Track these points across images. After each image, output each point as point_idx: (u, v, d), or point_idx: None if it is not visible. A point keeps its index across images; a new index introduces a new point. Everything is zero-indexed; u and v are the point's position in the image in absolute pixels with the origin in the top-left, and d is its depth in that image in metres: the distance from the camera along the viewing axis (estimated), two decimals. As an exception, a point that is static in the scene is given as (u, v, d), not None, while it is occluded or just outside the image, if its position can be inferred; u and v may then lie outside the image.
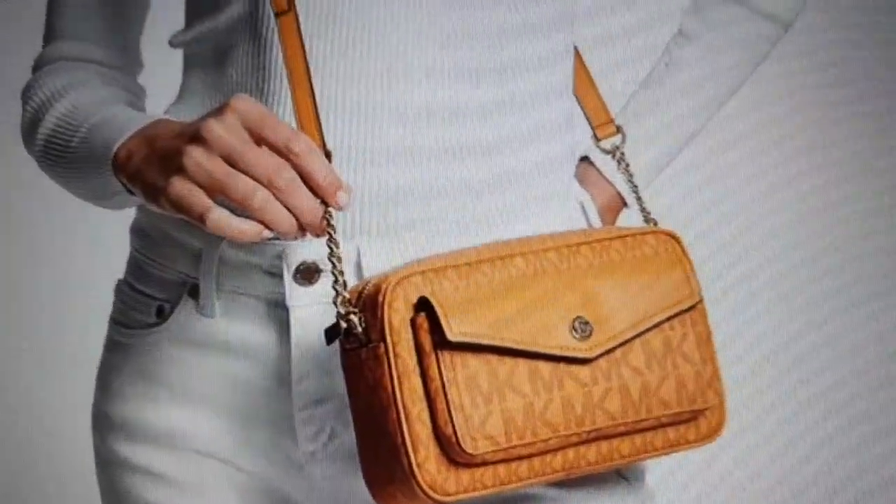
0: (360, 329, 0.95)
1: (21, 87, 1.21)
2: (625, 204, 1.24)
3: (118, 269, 1.23)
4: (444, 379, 0.94)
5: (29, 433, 2.65)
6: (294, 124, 1.01)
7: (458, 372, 0.94)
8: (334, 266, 0.97)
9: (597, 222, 1.20)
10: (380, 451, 0.96)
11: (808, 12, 1.33)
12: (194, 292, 1.12)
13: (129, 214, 1.22)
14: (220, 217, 0.95)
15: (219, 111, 0.97)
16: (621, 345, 1.00)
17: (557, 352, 0.97)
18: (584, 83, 1.22)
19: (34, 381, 2.66)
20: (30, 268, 2.69)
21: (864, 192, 2.75)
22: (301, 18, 1.04)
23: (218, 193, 0.95)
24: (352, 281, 1.02)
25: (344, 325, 0.96)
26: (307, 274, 1.06)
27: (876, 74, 2.72)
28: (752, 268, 2.67)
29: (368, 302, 0.96)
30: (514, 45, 1.10)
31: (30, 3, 1.56)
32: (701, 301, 1.04)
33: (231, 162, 0.95)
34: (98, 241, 2.19)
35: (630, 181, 1.19)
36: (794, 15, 1.28)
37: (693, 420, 1.03)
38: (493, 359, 0.96)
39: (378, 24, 1.06)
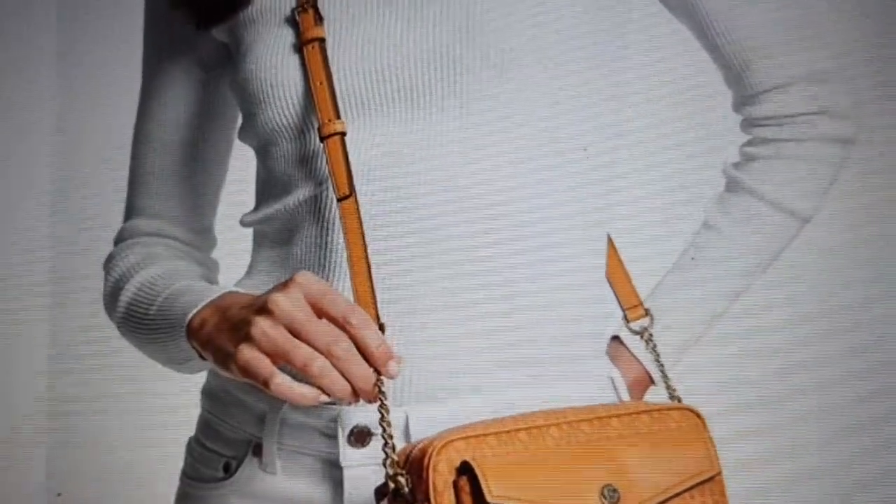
0: (406, 489, 1.00)
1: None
2: (652, 382, 1.28)
3: (189, 427, 1.29)
4: (483, 537, 0.98)
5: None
6: (351, 298, 1.07)
7: (495, 531, 0.99)
8: (384, 430, 1.03)
9: (626, 397, 1.24)
10: None
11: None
12: (258, 450, 1.18)
13: (201, 378, 1.29)
14: (282, 382, 1.02)
15: (284, 285, 1.04)
16: (646, 511, 1.04)
17: (587, 516, 1.02)
18: (615, 268, 1.28)
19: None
20: (106, 424, 2.74)
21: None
22: (361, 203, 1.11)
23: (281, 360, 1.02)
24: (400, 444, 1.07)
25: (392, 485, 1.01)
26: (360, 437, 1.12)
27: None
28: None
29: (415, 464, 1.01)
30: (551, 232, 1.17)
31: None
32: (720, 473, 1.09)
33: (294, 332, 1.02)
34: (170, 399, 2.24)
35: (657, 360, 1.26)
36: (813, 211, 1.32)
37: (710, 583, 1.08)
38: (528, 521, 1.00)
39: (432, 207, 1.13)
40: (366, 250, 1.09)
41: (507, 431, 1.04)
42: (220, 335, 1.08)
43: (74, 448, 2.78)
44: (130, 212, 1.34)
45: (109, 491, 2.73)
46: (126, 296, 1.24)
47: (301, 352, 1.02)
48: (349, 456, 1.12)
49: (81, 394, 2.77)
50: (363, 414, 1.12)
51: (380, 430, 1.04)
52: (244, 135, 1.26)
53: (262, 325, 1.03)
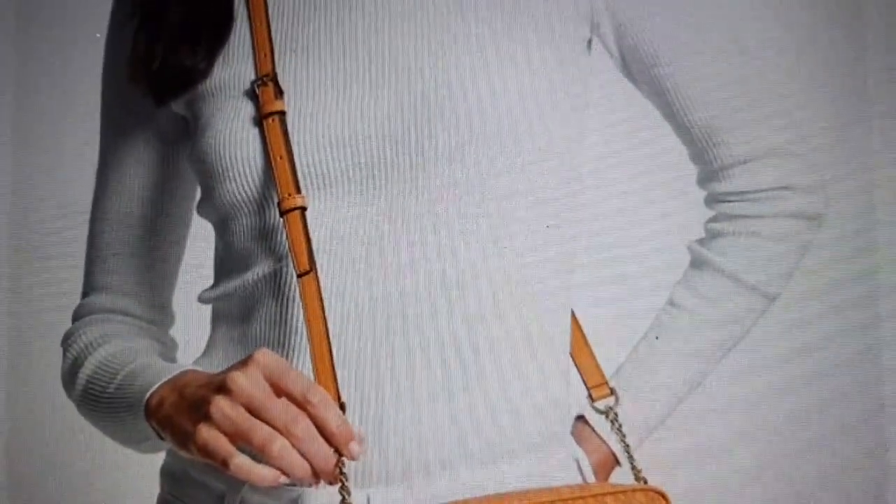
0: (368, 573, 0.99)
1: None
2: (618, 462, 1.27)
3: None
4: None
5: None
6: (311, 376, 1.06)
7: None
8: (345, 513, 1.01)
9: (591, 478, 1.23)
10: None
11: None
12: None
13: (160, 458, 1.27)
14: (241, 463, 1.00)
15: (243, 363, 1.03)
16: None
17: None
18: (579, 345, 1.27)
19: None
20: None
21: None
22: (321, 278, 1.11)
23: (240, 440, 1.01)
24: (362, 527, 1.06)
25: (354, 569, 0.99)
26: None
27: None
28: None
29: (377, 548, 1.00)
30: (514, 309, 1.16)
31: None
32: (686, 555, 1.09)
33: (253, 411, 1.01)
34: (128, 480, 2.21)
35: (623, 441, 1.25)
36: (779, 289, 1.31)
37: None
38: None
39: (396, 287, 1.13)
40: (326, 327, 1.08)
41: (472, 514, 1.02)
42: (179, 414, 1.06)
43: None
44: (88, 288, 1.33)
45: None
46: (84, 374, 1.22)
47: (260, 432, 1.00)
48: (310, 539, 1.11)
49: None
50: (324, 496, 1.10)
51: (341, 513, 1.02)
52: (203, 209, 1.25)
53: (220, 405, 1.01)
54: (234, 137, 1.17)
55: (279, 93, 1.17)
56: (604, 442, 1.26)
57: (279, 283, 1.16)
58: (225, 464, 1.00)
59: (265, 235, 1.17)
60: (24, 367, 2.78)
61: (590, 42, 1.24)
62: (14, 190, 2.67)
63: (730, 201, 1.32)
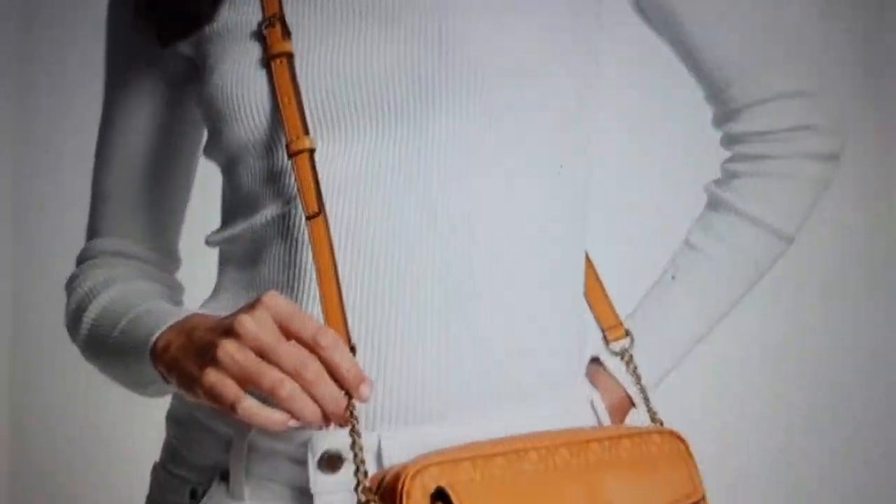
0: (379, 517, 0.98)
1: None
2: (633, 404, 1.26)
3: (154, 452, 1.26)
4: (458, 567, 0.96)
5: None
6: (321, 320, 1.05)
7: (472, 560, 0.96)
8: (356, 455, 1.01)
9: (606, 420, 1.22)
10: None
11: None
12: (225, 476, 1.15)
13: (166, 402, 1.26)
14: (249, 406, 0.99)
15: (251, 307, 1.01)
16: (628, 538, 1.02)
17: (567, 543, 0.99)
18: (593, 287, 1.27)
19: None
20: (70, 456, 2.71)
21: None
22: (330, 221, 1.10)
23: (248, 384, 0.99)
24: (373, 469, 1.06)
25: (365, 512, 0.98)
26: (331, 462, 1.09)
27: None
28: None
29: (388, 491, 0.98)
30: (527, 252, 1.15)
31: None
32: (704, 497, 1.07)
33: (262, 354, 1.00)
34: (135, 424, 2.21)
35: (638, 383, 1.23)
36: (795, 230, 1.31)
37: None
38: (506, 548, 0.98)
39: (405, 228, 1.11)
40: (336, 270, 1.07)
41: (484, 456, 1.02)
42: (186, 358, 1.05)
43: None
44: (93, 231, 1.32)
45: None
46: (88, 318, 1.21)
47: (269, 375, 0.99)
48: (320, 482, 1.09)
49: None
50: (334, 439, 1.09)
51: (351, 456, 1.01)
52: (210, 151, 1.23)
53: (228, 348, 1.00)
54: (241, 79, 1.15)
55: (287, 34, 1.15)
56: (619, 384, 1.26)
57: (288, 226, 1.14)
58: (232, 408, 0.99)
59: (273, 178, 1.15)
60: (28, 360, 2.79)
61: None
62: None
63: (748, 141, 1.31)
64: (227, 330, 1.01)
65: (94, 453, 2.74)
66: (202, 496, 1.17)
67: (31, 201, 2.81)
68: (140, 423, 1.63)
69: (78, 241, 1.33)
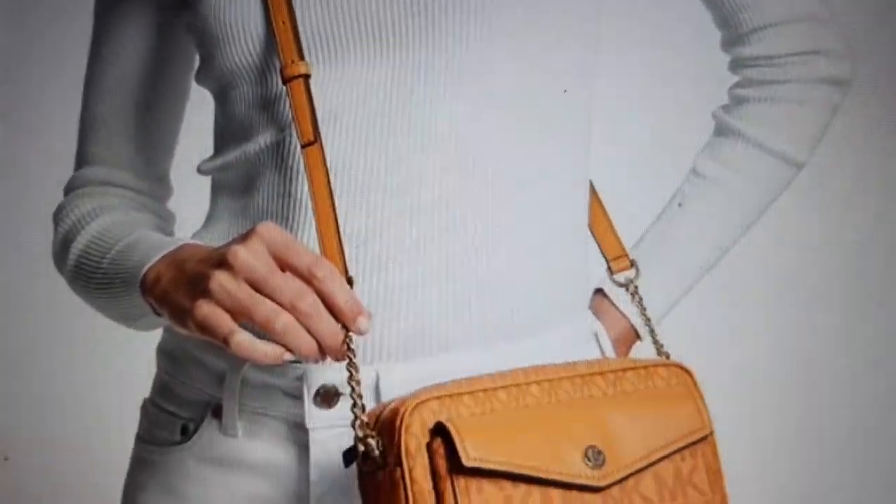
0: (377, 452, 0.96)
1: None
2: (638, 337, 1.25)
3: (144, 388, 1.25)
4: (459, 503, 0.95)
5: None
6: (317, 251, 1.02)
7: (472, 497, 0.95)
8: (353, 390, 0.99)
9: (610, 353, 1.21)
10: (394, 573, 0.96)
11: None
12: (218, 412, 1.13)
13: (156, 335, 1.24)
14: (243, 340, 0.97)
15: (245, 237, 0.99)
16: (633, 474, 1.00)
17: (570, 479, 0.97)
18: (598, 217, 1.24)
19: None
20: (54, 386, 2.70)
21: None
22: (326, 149, 1.07)
23: (242, 317, 0.97)
24: (370, 404, 1.04)
25: (361, 447, 0.96)
26: (327, 397, 1.08)
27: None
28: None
29: (386, 426, 0.97)
30: (529, 183, 1.13)
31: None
32: (712, 433, 1.05)
33: (256, 286, 0.97)
34: (124, 360, 2.20)
35: (643, 314, 1.21)
36: (806, 156, 1.29)
37: (702, 549, 1.04)
38: (508, 485, 0.96)
39: (402, 157, 1.09)
40: (332, 199, 1.04)
41: (485, 390, 1.00)
42: (177, 290, 1.03)
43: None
44: (81, 160, 1.29)
45: (59, 455, 2.70)
46: (77, 248, 1.19)
47: (263, 307, 0.97)
48: (315, 417, 1.08)
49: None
50: (330, 373, 1.07)
51: (348, 390, 0.99)
52: (202, 78, 1.21)
53: (220, 280, 0.97)
54: (235, 1, 1.12)
55: None
56: (623, 315, 1.25)
57: (282, 154, 1.12)
58: (226, 341, 0.97)
59: (267, 104, 1.13)
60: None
61: None
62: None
63: (757, 66, 1.29)
64: (220, 261, 0.98)
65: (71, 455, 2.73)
66: (193, 433, 1.15)
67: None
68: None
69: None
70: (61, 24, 2.54)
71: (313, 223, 1.05)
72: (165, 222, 1.28)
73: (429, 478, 0.95)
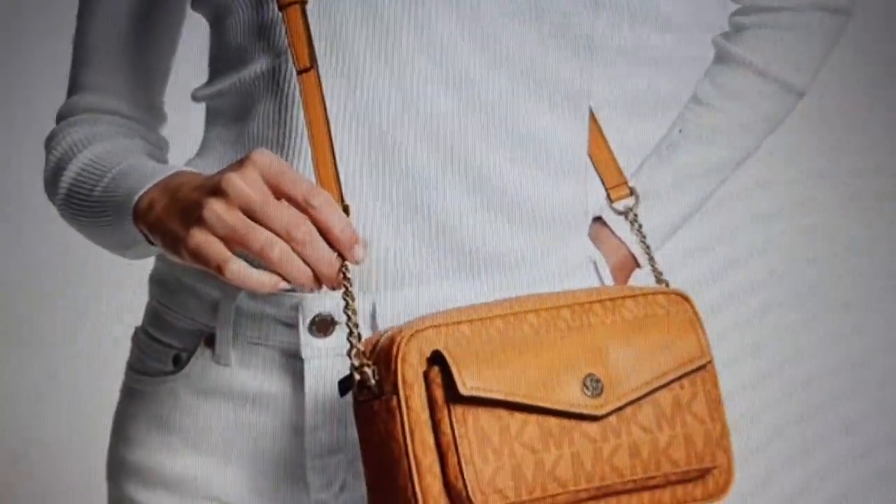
0: (373, 381, 0.96)
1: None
2: (637, 264, 1.25)
3: (136, 317, 1.24)
4: (456, 433, 0.94)
5: (45, 482, 2.65)
6: (313, 179, 1.01)
7: (469, 426, 0.95)
8: (349, 319, 0.98)
9: (609, 281, 1.20)
10: (390, 503, 0.96)
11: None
12: (211, 341, 1.13)
13: (148, 263, 1.23)
14: (238, 268, 0.96)
15: (239, 165, 0.98)
16: (631, 402, 1.00)
17: (568, 408, 0.97)
18: (598, 144, 1.23)
19: (50, 429, 2.66)
20: (46, 314, 2.70)
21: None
22: (323, 76, 1.05)
23: (236, 245, 0.96)
24: (366, 333, 1.03)
25: (357, 377, 0.96)
26: (322, 326, 1.07)
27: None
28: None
29: (382, 355, 0.96)
30: (529, 107, 1.11)
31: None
32: (711, 361, 1.04)
33: (250, 215, 0.96)
34: (116, 288, 2.19)
35: (643, 242, 1.21)
36: (807, 83, 1.29)
37: (701, 478, 1.04)
38: (505, 414, 0.96)
39: (401, 85, 1.07)
40: (328, 127, 1.03)
41: (482, 319, 0.99)
42: (170, 218, 1.02)
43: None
44: (74, 87, 1.27)
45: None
46: (68, 176, 1.17)
47: (258, 235, 0.96)
48: (311, 346, 1.07)
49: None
50: (326, 301, 1.07)
51: (344, 319, 0.99)
52: (198, 4, 1.19)
53: (215, 208, 0.97)
54: None
55: None
56: (623, 243, 1.24)
57: (278, 81, 1.10)
58: (220, 270, 0.96)
59: (263, 30, 1.11)
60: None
61: None
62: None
63: None
64: (214, 188, 0.97)
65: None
66: (186, 362, 1.15)
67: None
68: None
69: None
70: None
71: (309, 151, 1.03)
72: (159, 150, 1.27)
73: (425, 407, 0.95)
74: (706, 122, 1.28)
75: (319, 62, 1.06)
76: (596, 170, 1.23)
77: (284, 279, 0.97)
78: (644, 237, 1.21)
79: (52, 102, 1.28)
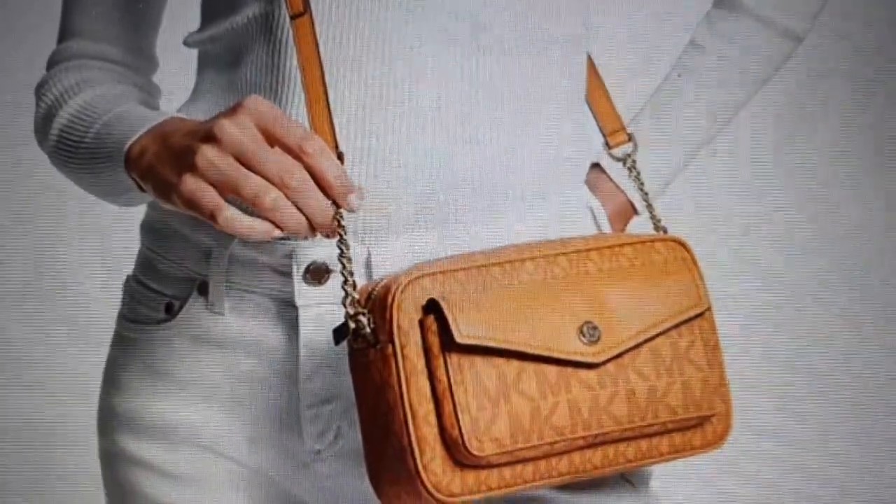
0: (368, 330, 0.95)
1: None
2: (635, 212, 1.24)
3: (127, 265, 1.23)
4: (452, 381, 0.94)
5: (36, 430, 2.66)
6: (307, 126, 1.00)
7: (465, 374, 0.94)
8: (344, 266, 0.97)
9: (607, 228, 1.20)
10: (385, 452, 0.96)
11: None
12: (203, 289, 1.12)
13: (140, 211, 1.22)
14: (231, 215, 0.95)
15: (232, 111, 0.97)
16: (629, 350, 1.00)
17: (565, 356, 0.97)
18: (596, 90, 1.22)
19: (40, 378, 2.67)
20: (36, 264, 2.70)
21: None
22: (317, 22, 1.04)
23: (229, 192, 0.95)
24: (361, 281, 1.03)
25: (352, 325, 0.96)
26: (317, 274, 1.06)
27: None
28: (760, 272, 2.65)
29: (377, 303, 0.96)
30: (527, 52, 1.10)
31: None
32: (709, 308, 1.04)
33: (243, 161, 0.95)
34: (107, 235, 2.19)
35: (641, 189, 1.20)
36: (806, 29, 1.28)
37: (699, 426, 1.04)
38: (501, 361, 0.95)
39: (396, 30, 1.06)
40: (322, 73, 1.02)
41: (478, 267, 0.99)
42: (162, 165, 1.00)
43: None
44: (65, 33, 1.26)
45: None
46: (59, 123, 1.16)
47: (251, 182, 0.95)
48: (305, 294, 1.07)
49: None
50: (320, 249, 1.06)
51: (339, 267, 0.98)
52: None
53: (207, 154, 0.95)
54: None
55: None
56: (620, 190, 1.23)
57: (271, 26, 1.09)
58: (212, 217, 0.95)
59: None
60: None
61: None
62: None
63: None
64: (207, 135, 0.96)
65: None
66: (179, 310, 1.14)
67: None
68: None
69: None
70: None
71: (303, 97, 1.02)
72: (151, 96, 1.26)
73: (421, 355, 0.95)
74: (704, 65, 1.27)
75: (313, 7, 1.04)
76: (594, 116, 1.22)
77: (278, 227, 0.96)
78: (642, 184, 1.20)
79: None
